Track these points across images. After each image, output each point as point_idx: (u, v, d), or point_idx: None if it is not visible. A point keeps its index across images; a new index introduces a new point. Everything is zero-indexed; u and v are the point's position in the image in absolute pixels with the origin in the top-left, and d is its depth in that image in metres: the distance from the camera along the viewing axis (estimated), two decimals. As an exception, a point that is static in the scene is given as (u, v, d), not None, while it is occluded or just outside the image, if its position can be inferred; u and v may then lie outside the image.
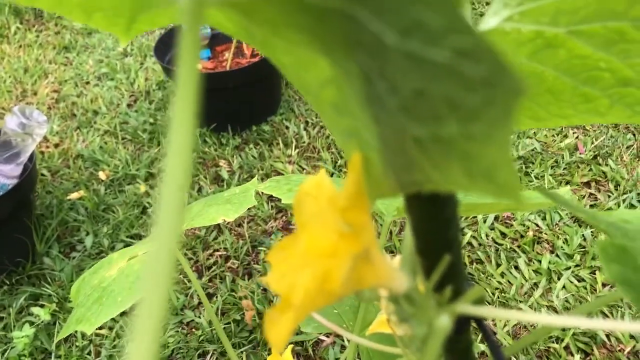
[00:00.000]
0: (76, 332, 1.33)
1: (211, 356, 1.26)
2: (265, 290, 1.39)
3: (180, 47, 0.11)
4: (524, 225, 1.50)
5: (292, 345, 0.54)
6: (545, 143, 1.78)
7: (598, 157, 1.70)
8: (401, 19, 0.11)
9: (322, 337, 1.28)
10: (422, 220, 0.20)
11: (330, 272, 0.19)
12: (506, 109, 0.11)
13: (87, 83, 2.32)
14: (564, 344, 1.21)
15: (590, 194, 1.59)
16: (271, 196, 1.66)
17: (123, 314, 1.37)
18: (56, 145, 1.96)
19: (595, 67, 0.29)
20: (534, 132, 1.80)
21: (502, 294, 1.32)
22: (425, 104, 0.12)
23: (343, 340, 1.26)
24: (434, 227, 0.20)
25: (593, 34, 0.27)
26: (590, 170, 1.65)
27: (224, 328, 1.31)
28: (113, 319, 1.35)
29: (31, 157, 1.47)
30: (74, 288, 0.69)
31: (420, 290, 0.22)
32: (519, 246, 1.44)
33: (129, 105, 2.14)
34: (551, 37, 0.28)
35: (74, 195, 1.70)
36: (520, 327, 1.27)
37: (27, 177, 1.43)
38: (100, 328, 1.33)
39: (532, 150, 1.75)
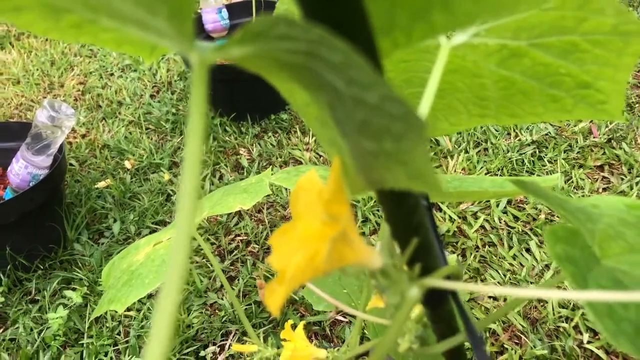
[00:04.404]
0: (106, 313, 1.40)
1: (233, 336, 1.33)
2: (284, 273, 1.45)
3: (192, 94, 0.16)
4: (536, 208, 1.53)
5: (304, 322, 0.59)
6: (560, 127, 1.80)
7: (612, 141, 1.72)
8: (344, 75, 0.15)
9: (339, 317, 1.33)
10: (390, 210, 0.24)
11: (317, 252, 0.24)
12: (419, 134, 0.16)
13: (112, 75, 2.39)
14: (573, 324, 1.25)
15: (604, 177, 1.61)
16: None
17: (150, 296, 1.44)
18: (83, 136, 2.04)
19: (557, 72, 0.33)
20: (549, 117, 1.82)
21: (514, 276, 1.36)
22: (370, 128, 0.17)
23: (359, 321, 1.31)
24: (400, 215, 0.25)
25: (551, 46, 0.31)
26: (604, 153, 1.67)
27: (245, 309, 1.38)
28: (140, 301, 1.42)
29: (60, 148, 1.54)
30: (105, 272, 0.75)
31: (394, 268, 0.27)
32: (531, 229, 1.48)
33: (152, 96, 2.21)
34: (515, 48, 0.32)
35: (101, 184, 1.77)
36: (531, 308, 1.31)
37: (58, 168, 1.50)
38: (128, 310, 1.40)
39: (546, 134, 1.77)
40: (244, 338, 1.31)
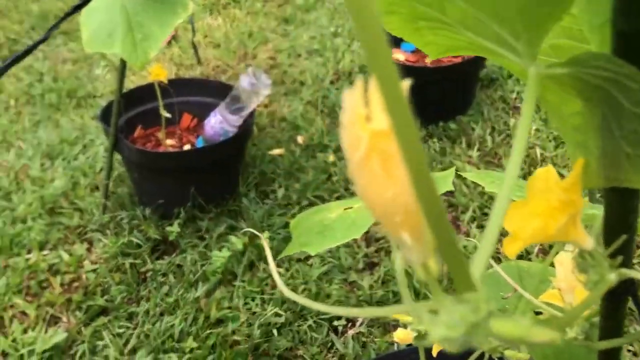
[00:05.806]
0: (259, 265, 1.57)
1: (367, 315, 1.43)
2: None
3: (526, 96, 0.25)
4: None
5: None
6: None
7: None
8: (633, 97, 0.23)
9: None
10: (611, 205, 0.32)
11: (549, 224, 0.32)
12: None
13: (299, 56, 2.59)
14: None
15: None
16: (445, 193, 1.78)
17: (298, 260, 1.58)
18: (265, 106, 2.25)
19: None
20: None
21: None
22: (637, 137, 0.25)
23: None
24: (619, 212, 0.32)
25: None
26: None
27: (382, 295, 1.47)
28: (289, 262, 1.57)
29: (252, 113, 1.73)
30: (294, 223, 0.88)
31: (600, 253, 0.34)
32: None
33: (331, 82, 2.37)
34: None
35: (275, 152, 1.96)
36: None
37: (246, 129, 1.70)
38: (278, 266, 1.56)
39: None
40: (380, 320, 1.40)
